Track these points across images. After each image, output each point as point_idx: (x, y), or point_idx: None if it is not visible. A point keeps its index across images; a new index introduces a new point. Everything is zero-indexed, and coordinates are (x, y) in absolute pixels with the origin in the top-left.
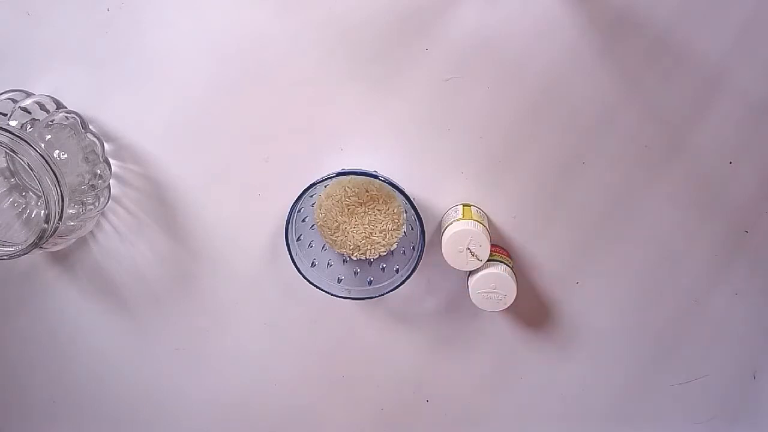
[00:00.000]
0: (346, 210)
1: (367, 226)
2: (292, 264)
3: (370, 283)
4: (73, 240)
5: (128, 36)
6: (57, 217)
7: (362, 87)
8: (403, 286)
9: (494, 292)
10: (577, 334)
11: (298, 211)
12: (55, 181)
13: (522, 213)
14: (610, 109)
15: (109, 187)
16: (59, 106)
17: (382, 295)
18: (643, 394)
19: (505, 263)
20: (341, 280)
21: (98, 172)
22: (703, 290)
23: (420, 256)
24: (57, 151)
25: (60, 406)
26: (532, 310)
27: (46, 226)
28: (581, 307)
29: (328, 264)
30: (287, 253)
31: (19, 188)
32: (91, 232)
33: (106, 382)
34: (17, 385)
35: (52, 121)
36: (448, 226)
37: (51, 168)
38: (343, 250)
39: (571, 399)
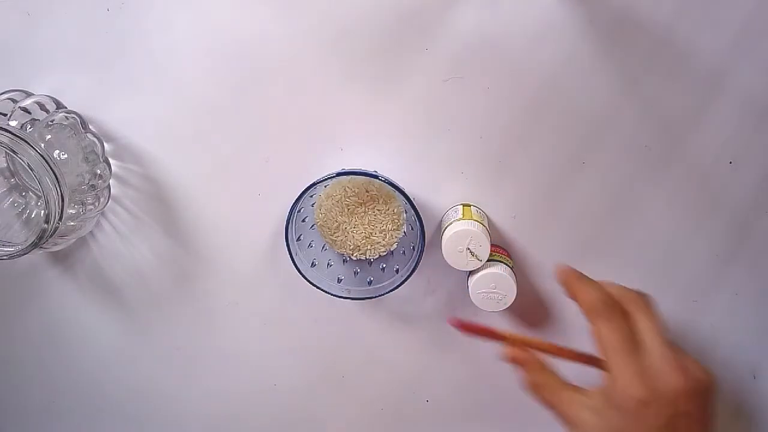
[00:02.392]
0: (346, 210)
1: (367, 226)
2: (292, 264)
3: (370, 283)
4: (73, 240)
5: (128, 36)
6: (57, 217)
7: (362, 87)
8: (403, 286)
9: (494, 292)
10: (577, 335)
11: (298, 211)
12: (55, 181)
13: (522, 213)
14: (610, 109)
15: (109, 187)
16: (59, 106)
17: (382, 295)
18: None
19: (505, 263)
20: (341, 280)
21: (98, 172)
22: (703, 290)
23: (420, 256)
24: (57, 151)
25: (59, 406)
26: (532, 310)
27: (46, 226)
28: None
29: (328, 264)
30: (287, 253)
31: (19, 188)
32: (91, 232)
33: (105, 382)
34: (17, 385)
35: (52, 121)
36: (448, 226)
37: (51, 168)
38: (343, 250)
39: None
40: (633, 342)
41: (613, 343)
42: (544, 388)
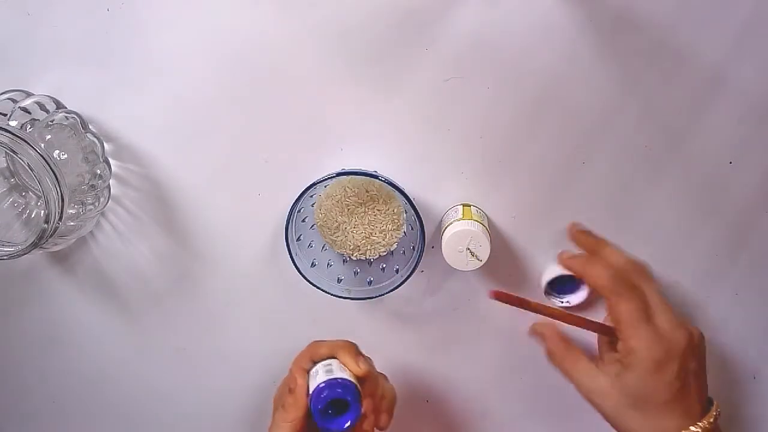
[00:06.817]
0: (346, 210)
1: (367, 226)
2: (292, 264)
3: (370, 283)
4: (73, 240)
5: (128, 36)
6: (57, 217)
7: (362, 87)
8: (403, 286)
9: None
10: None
11: (298, 211)
12: (55, 181)
13: (522, 213)
14: (610, 109)
15: (109, 187)
16: (59, 106)
17: (382, 295)
18: None
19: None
20: (341, 280)
21: (98, 172)
22: (703, 290)
23: (420, 256)
24: (57, 151)
25: (60, 406)
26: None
27: (46, 226)
28: (580, 306)
29: (328, 264)
30: (287, 253)
31: (19, 188)
32: (91, 232)
33: (106, 382)
34: (17, 385)
35: (52, 121)
36: (448, 226)
37: (51, 168)
38: (343, 250)
39: (572, 399)
40: (645, 311)
41: (630, 315)
42: (564, 359)
